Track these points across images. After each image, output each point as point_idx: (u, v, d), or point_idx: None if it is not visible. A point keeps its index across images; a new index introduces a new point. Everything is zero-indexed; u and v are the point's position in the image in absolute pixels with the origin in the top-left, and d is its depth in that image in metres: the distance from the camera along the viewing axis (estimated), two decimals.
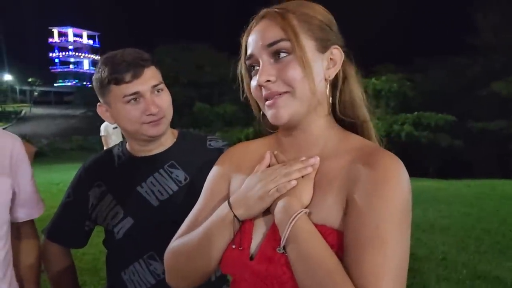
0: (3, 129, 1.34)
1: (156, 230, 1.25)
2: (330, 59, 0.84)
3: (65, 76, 79.54)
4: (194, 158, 1.35)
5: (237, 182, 0.91)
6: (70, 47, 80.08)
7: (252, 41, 0.83)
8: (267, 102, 0.82)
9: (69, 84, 74.97)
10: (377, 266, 0.69)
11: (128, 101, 1.25)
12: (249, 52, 0.84)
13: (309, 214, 0.77)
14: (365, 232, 0.71)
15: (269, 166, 0.87)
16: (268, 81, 0.80)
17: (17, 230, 1.34)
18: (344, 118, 0.88)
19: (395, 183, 0.74)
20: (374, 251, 0.70)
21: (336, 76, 0.86)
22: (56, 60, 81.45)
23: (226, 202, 0.85)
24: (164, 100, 1.29)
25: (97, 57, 69.71)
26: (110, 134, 6.70)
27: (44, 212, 1.39)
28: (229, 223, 0.82)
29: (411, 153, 15.91)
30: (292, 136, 0.88)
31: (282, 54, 0.80)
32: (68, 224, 1.38)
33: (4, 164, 1.22)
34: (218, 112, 24.24)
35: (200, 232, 0.86)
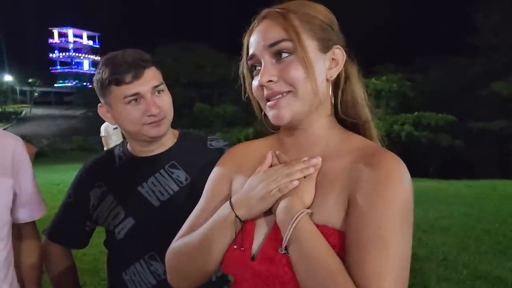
0: (3, 129, 1.34)
1: (157, 231, 1.25)
2: (332, 59, 0.84)
3: (65, 76, 79.54)
4: (195, 158, 1.35)
5: (238, 183, 0.91)
6: (70, 47, 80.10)
7: (253, 41, 0.83)
8: (268, 103, 0.82)
9: (69, 84, 74.98)
10: (379, 267, 0.69)
11: (129, 102, 1.25)
12: (250, 52, 0.84)
13: (310, 215, 0.77)
14: (367, 233, 0.71)
15: (271, 166, 0.87)
16: (270, 81, 0.80)
17: (18, 231, 1.33)
18: (346, 118, 0.88)
19: (397, 184, 0.74)
20: (376, 252, 0.70)
21: (338, 76, 0.86)
22: (57, 61, 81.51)
23: (228, 202, 0.85)
24: (165, 101, 1.29)
25: (97, 58, 69.76)
26: (110, 135, 6.71)
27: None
28: (230, 223, 0.82)
29: (411, 153, 15.89)
30: (293, 136, 0.87)
31: (284, 54, 0.80)
32: (69, 224, 1.38)
33: (6, 165, 1.22)
34: (218, 113, 24.24)
35: (201, 233, 0.86)
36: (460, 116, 19.18)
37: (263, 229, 0.83)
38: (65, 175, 10.56)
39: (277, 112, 0.81)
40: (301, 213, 0.75)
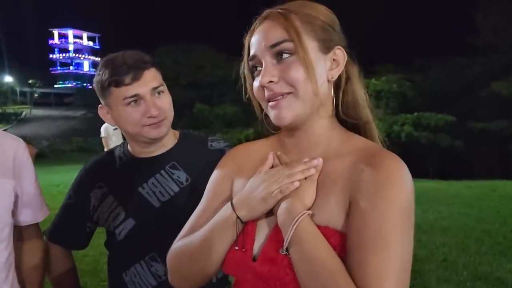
0: (3, 130, 1.34)
1: (158, 231, 1.25)
2: (333, 59, 0.83)
3: (65, 77, 79.61)
4: (195, 159, 1.35)
5: (239, 183, 0.91)
6: (71, 48, 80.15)
7: (255, 41, 0.83)
8: (269, 103, 0.82)
9: (69, 85, 75.12)
10: (380, 268, 0.69)
11: (128, 103, 1.25)
12: (252, 52, 0.84)
13: (312, 216, 0.77)
14: (368, 233, 0.71)
15: (272, 167, 0.87)
16: (271, 82, 0.80)
17: (21, 232, 1.33)
18: (347, 119, 0.88)
19: (398, 184, 0.74)
20: (377, 253, 0.70)
21: (339, 77, 0.86)
22: (57, 62, 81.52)
23: (229, 203, 0.85)
24: (165, 102, 1.29)
25: (97, 59, 69.80)
26: (110, 136, 6.71)
27: None
28: (232, 224, 0.82)
29: (411, 154, 15.89)
30: (294, 137, 0.87)
31: (285, 55, 0.80)
32: (69, 225, 1.37)
33: (7, 167, 1.22)
34: (218, 113, 24.24)
35: (202, 233, 0.86)
36: (460, 117, 19.20)
37: (264, 230, 0.83)
38: (65, 176, 10.56)
39: (278, 113, 0.81)
40: (302, 215, 0.75)
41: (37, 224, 1.37)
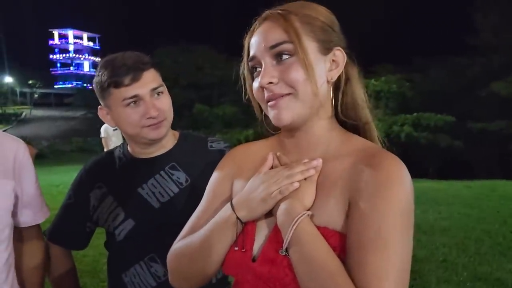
0: (3, 131, 1.34)
1: (157, 232, 1.25)
2: (333, 60, 0.84)
3: (65, 78, 79.68)
4: (195, 160, 1.35)
5: (239, 184, 0.91)
6: (71, 49, 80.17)
7: (254, 42, 0.83)
8: (269, 104, 0.82)
9: (69, 86, 75.14)
10: (380, 268, 0.69)
11: (128, 104, 1.25)
12: (251, 53, 0.84)
13: (311, 217, 0.77)
14: (368, 234, 0.71)
15: (271, 167, 0.87)
16: (271, 83, 0.80)
17: (21, 233, 1.33)
18: (346, 120, 0.88)
19: (398, 185, 0.74)
20: (376, 253, 0.70)
21: (339, 78, 0.86)
22: (57, 62, 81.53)
23: (229, 203, 0.85)
24: (164, 103, 1.29)
25: (98, 59, 69.85)
26: (110, 136, 6.72)
27: None
28: (231, 224, 0.82)
29: (410, 154, 15.89)
30: (294, 137, 0.88)
31: (285, 56, 0.80)
32: (69, 225, 1.38)
33: (7, 168, 1.22)
34: (217, 114, 24.23)
35: (202, 234, 0.86)
36: (460, 117, 19.20)
37: (264, 231, 0.83)
38: (65, 177, 10.56)
39: (277, 113, 0.81)
40: (301, 215, 0.75)
41: (37, 225, 1.37)
